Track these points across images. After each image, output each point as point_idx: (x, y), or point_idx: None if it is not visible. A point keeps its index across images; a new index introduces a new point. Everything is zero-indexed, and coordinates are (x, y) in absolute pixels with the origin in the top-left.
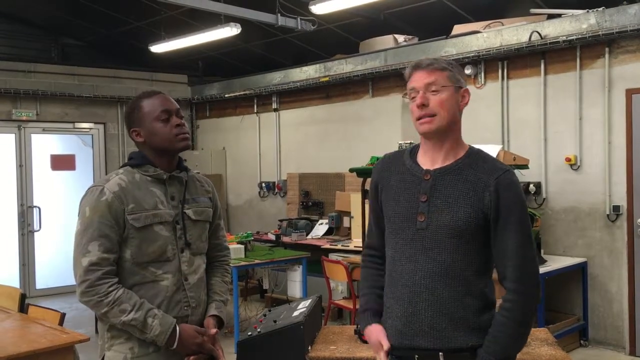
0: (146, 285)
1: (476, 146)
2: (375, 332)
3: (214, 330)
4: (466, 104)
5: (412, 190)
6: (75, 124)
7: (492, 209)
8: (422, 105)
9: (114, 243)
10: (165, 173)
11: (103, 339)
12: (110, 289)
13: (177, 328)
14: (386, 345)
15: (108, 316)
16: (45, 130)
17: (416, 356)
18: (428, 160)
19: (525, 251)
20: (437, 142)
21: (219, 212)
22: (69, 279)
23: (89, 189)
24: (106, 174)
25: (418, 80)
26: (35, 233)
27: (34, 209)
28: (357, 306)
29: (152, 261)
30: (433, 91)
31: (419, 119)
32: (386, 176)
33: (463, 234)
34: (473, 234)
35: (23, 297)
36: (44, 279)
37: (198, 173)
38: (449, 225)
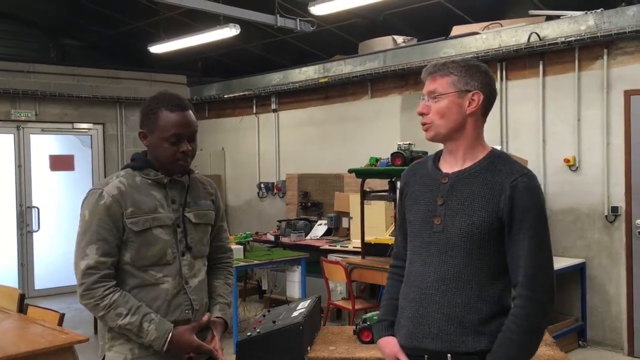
0: (146, 288)
1: None
2: (390, 345)
3: (206, 316)
4: (475, 107)
5: (431, 193)
6: (74, 124)
7: (506, 214)
8: (422, 114)
9: (113, 246)
10: (166, 177)
11: (103, 339)
12: (106, 292)
13: (175, 331)
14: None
15: (105, 319)
16: (44, 131)
17: (425, 356)
18: (448, 164)
19: (538, 258)
20: (451, 147)
21: (222, 214)
22: (68, 280)
23: (89, 191)
24: (105, 175)
25: (425, 87)
26: (34, 233)
27: (33, 209)
28: (357, 307)
29: (152, 264)
30: (434, 98)
31: (422, 124)
32: (411, 182)
33: (477, 237)
34: (488, 238)
35: (22, 297)
36: (42, 279)
37: (198, 173)
38: (463, 228)
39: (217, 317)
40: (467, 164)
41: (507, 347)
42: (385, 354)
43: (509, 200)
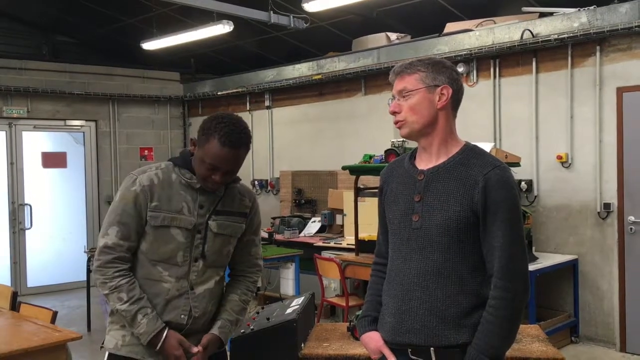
0: (150, 282)
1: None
2: (374, 340)
3: (194, 349)
4: (445, 101)
5: (409, 191)
6: (67, 121)
7: (480, 206)
8: (394, 113)
9: (132, 231)
10: (198, 183)
11: (107, 321)
12: (116, 274)
13: (165, 333)
14: (391, 357)
15: (108, 298)
16: (36, 128)
17: (409, 350)
18: (423, 161)
19: (513, 249)
20: (424, 143)
21: (255, 227)
22: (61, 277)
23: (128, 175)
24: (98, 173)
25: (394, 87)
26: (26, 231)
27: (25, 206)
28: (350, 304)
29: (161, 261)
30: (404, 96)
31: (395, 123)
32: (389, 180)
33: (455, 232)
34: (465, 232)
35: (15, 295)
36: (35, 277)
37: (241, 183)
38: (440, 224)
39: (212, 334)
40: (442, 160)
41: (486, 337)
42: (369, 349)
43: (482, 193)
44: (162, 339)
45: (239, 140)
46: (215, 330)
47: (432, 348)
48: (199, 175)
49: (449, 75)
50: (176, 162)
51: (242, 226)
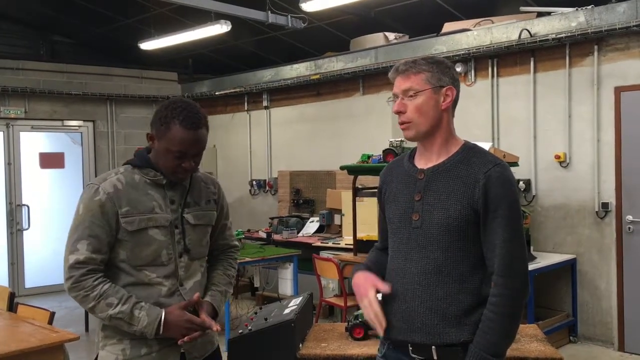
0: (139, 287)
1: None
2: (364, 275)
3: (196, 295)
4: (450, 102)
5: (409, 190)
6: (64, 121)
7: (480, 204)
8: (399, 112)
9: (104, 244)
10: (164, 178)
11: (98, 337)
12: (96, 282)
13: (164, 312)
14: (384, 288)
15: (95, 311)
16: (33, 128)
17: (410, 348)
18: (423, 160)
19: (513, 246)
20: (426, 143)
21: (226, 212)
22: (59, 278)
23: (86, 185)
24: (95, 173)
25: (397, 86)
26: (24, 232)
27: (23, 207)
28: (349, 304)
29: (146, 264)
30: (410, 96)
31: (400, 124)
32: (388, 180)
33: (455, 230)
34: (465, 230)
35: (12, 296)
36: (33, 277)
37: (211, 173)
38: (441, 222)
39: (204, 300)
40: (442, 159)
41: (487, 335)
42: (360, 285)
43: (483, 190)
44: (162, 323)
45: (199, 120)
46: (207, 298)
47: (433, 346)
48: (166, 168)
49: (452, 75)
50: (134, 163)
51: (215, 213)
